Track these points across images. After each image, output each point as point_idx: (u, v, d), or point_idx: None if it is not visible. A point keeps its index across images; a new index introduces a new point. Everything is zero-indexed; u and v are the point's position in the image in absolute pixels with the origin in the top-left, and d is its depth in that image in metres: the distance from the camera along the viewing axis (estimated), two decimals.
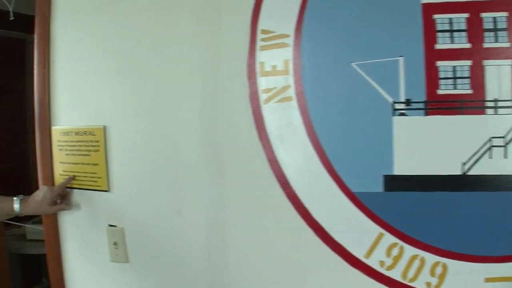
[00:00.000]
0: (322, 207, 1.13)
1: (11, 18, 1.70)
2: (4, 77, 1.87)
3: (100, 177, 1.31)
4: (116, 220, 1.31)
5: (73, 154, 1.36)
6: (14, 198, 1.26)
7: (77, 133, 1.34)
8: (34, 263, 2.51)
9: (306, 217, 1.13)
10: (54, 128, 1.39)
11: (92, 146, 1.31)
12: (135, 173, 1.27)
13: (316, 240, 1.11)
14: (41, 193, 1.28)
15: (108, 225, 1.33)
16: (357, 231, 1.10)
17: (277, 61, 1.12)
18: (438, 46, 1.06)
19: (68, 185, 1.37)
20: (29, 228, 2.34)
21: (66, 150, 1.37)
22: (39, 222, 2.41)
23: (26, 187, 2.96)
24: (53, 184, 1.40)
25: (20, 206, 1.25)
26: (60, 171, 1.39)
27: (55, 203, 1.31)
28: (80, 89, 1.35)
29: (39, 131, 1.41)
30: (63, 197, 1.35)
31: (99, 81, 1.30)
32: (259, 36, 1.14)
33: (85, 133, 1.32)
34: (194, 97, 1.18)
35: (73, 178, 1.34)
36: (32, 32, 1.43)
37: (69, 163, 1.37)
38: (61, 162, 1.39)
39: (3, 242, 2.07)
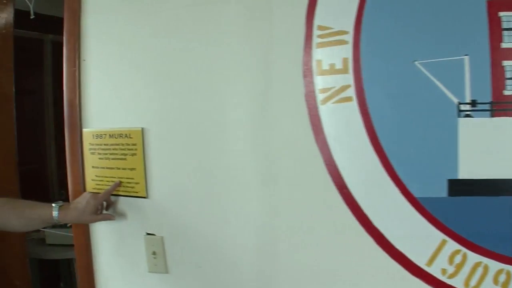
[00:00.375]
0: (382, 213, 1.07)
1: (32, 17, 1.61)
2: (22, 78, 1.79)
3: (137, 183, 1.24)
4: (154, 228, 1.24)
5: (107, 158, 1.28)
6: (53, 205, 1.16)
7: (111, 136, 1.26)
8: (52, 267, 2.43)
9: (365, 223, 1.07)
10: (86, 131, 1.31)
11: (129, 149, 1.23)
12: (176, 178, 1.20)
13: (375, 248, 1.06)
14: (84, 200, 1.19)
15: (146, 233, 1.25)
16: (419, 238, 1.05)
17: (335, 59, 1.06)
18: (504, 45, 1.00)
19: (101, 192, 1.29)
20: (49, 232, 2.27)
21: (99, 153, 1.29)
22: (59, 226, 2.37)
23: (45, 189, 2.90)
24: (84, 190, 1.32)
25: (59, 213, 1.15)
26: (92, 176, 1.31)
27: (98, 212, 1.22)
28: (114, 89, 1.27)
29: (68, 133, 1.33)
30: (106, 205, 1.27)
31: (136, 80, 1.23)
32: (315, 32, 1.08)
33: (120, 135, 1.24)
34: (244, 97, 1.11)
35: (120, 184, 1.26)
36: (49, 32, 1.36)
37: (103, 167, 1.29)
38: (93, 167, 1.31)
39: (25, 247, 1.99)
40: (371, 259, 1.05)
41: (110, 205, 1.27)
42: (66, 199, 2.96)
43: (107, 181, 1.29)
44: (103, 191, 1.26)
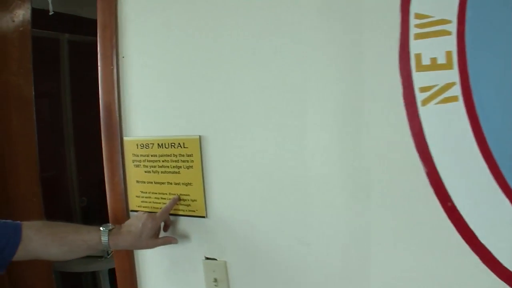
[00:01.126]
0: (492, 230, 0.92)
1: (51, 13, 1.43)
2: (38, 80, 1.60)
3: (194, 200, 1.06)
4: (215, 252, 1.07)
5: (155, 172, 1.10)
6: (101, 228, 0.98)
7: (161, 145, 1.08)
8: (76, 280, 2.41)
9: (471, 240, 0.92)
10: (128, 139, 1.13)
11: (183, 161, 1.06)
12: (241, 195, 1.02)
13: (482, 267, 0.91)
14: (138, 222, 1.00)
15: (205, 257, 1.08)
16: None
17: (437, 53, 0.90)
18: None
19: (150, 210, 1.11)
20: None
21: (145, 166, 1.11)
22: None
23: (64, 197, 2.68)
24: (126, 208, 1.14)
25: (110, 238, 0.98)
26: (136, 192, 1.13)
27: (156, 235, 1.04)
28: (162, 90, 1.09)
29: (106, 143, 1.15)
30: (164, 226, 1.09)
31: (190, 80, 1.05)
32: (412, 21, 0.91)
33: (173, 145, 1.07)
34: (327, 98, 0.94)
35: (179, 199, 1.08)
36: (65, 31, 1.17)
37: (150, 182, 1.11)
38: (138, 181, 1.13)
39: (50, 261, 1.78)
40: (477, 279, 0.90)
41: (168, 225, 1.09)
42: (88, 205, 2.81)
43: (156, 198, 1.11)
44: (159, 209, 1.08)
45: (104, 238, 0.97)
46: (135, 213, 1.09)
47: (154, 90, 1.09)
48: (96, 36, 1.12)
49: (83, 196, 2.74)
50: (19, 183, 1.65)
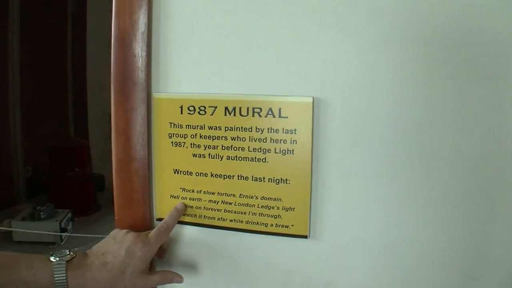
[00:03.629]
0: None
1: None
2: (40, 27, 1.08)
3: (289, 209, 0.61)
4: None
5: (215, 157, 0.62)
6: (52, 259, 0.56)
7: (231, 110, 0.60)
8: None
9: None
10: (161, 97, 0.64)
11: (276, 141, 0.59)
12: (375, 201, 0.58)
13: None
14: (120, 247, 0.59)
15: None
16: None
17: None
18: None
19: (198, 221, 0.64)
20: (17, 224, 1.68)
21: (193, 146, 0.63)
22: (30, 218, 1.71)
23: (5, 167, 2.07)
24: (151, 216, 0.66)
25: (69, 275, 0.55)
26: (173, 189, 0.66)
27: (148, 269, 0.61)
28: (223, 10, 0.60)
29: (117, 101, 0.65)
30: (158, 250, 0.63)
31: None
32: None
33: (257, 111, 0.59)
34: None
35: (184, 206, 0.65)
36: None
37: (202, 174, 0.63)
38: (178, 172, 0.65)
39: None
40: None
41: (165, 248, 0.67)
42: (33, 176, 2.25)
43: (212, 202, 0.64)
44: (211, 221, 0.64)
45: (60, 275, 0.54)
46: (112, 232, 0.61)
47: (210, 10, 0.59)
48: None
49: (28, 165, 2.18)
50: None
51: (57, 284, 0.54)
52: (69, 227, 1.81)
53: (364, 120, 0.56)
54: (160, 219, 0.68)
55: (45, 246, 1.74)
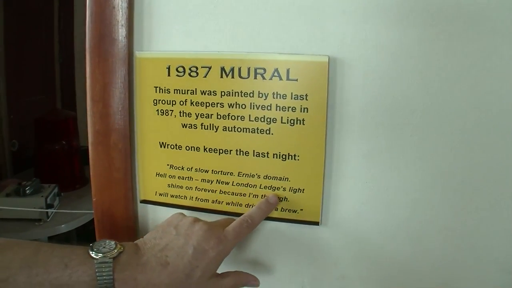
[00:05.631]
0: None
1: None
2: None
3: (299, 190, 0.51)
4: (333, 287, 0.53)
5: (209, 127, 0.52)
6: (93, 255, 0.42)
7: (229, 71, 0.50)
8: None
9: None
10: (144, 56, 0.53)
11: (283, 108, 0.49)
12: (401, 184, 0.48)
13: None
14: (185, 242, 0.45)
15: None
16: None
17: None
18: None
19: (190, 204, 0.54)
20: (1, 201, 1.58)
21: (183, 115, 0.52)
22: (15, 194, 1.62)
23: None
24: (133, 197, 0.56)
25: (116, 277, 0.41)
26: (159, 167, 0.56)
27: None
28: None
29: (92, 62, 0.54)
30: None
31: None
32: None
33: (260, 71, 0.49)
34: None
35: (278, 199, 0.51)
36: None
37: (193, 148, 0.53)
38: (164, 145, 0.54)
39: None
40: None
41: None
42: (20, 151, 2.17)
43: (205, 181, 0.54)
44: (214, 208, 0.53)
45: (105, 280, 0.41)
46: (171, 216, 0.50)
47: None
48: None
49: (14, 139, 2.09)
50: None
51: (99, 283, 0.41)
52: (56, 202, 1.73)
53: (390, 85, 0.46)
54: (144, 201, 0.58)
55: (31, 223, 1.66)
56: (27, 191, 1.67)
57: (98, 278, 0.41)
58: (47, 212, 1.66)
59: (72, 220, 1.70)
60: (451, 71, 0.44)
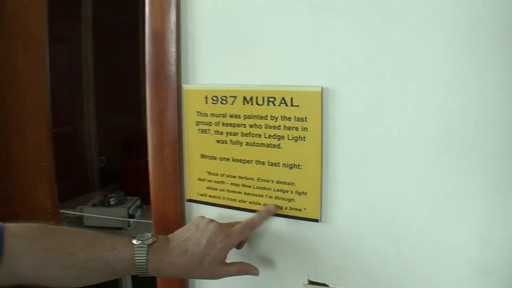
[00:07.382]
0: None
1: None
2: (54, 22, 1.22)
3: (301, 193, 0.64)
4: (326, 275, 0.65)
5: (236, 143, 0.67)
6: (134, 241, 0.59)
7: (249, 100, 0.65)
8: None
9: None
10: (189, 88, 0.70)
11: (289, 128, 0.63)
12: (393, 188, 0.60)
13: None
14: (201, 236, 0.61)
15: (309, 282, 0.67)
16: None
17: None
18: None
19: (222, 202, 0.70)
20: (88, 210, 1.78)
21: (217, 132, 0.68)
22: (101, 204, 1.83)
23: (81, 157, 2.30)
24: (181, 197, 0.72)
25: (149, 259, 0.58)
26: (200, 173, 0.72)
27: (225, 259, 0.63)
28: (247, 14, 0.65)
29: (152, 92, 0.72)
30: (239, 244, 0.67)
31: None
32: None
33: (271, 100, 0.63)
34: None
35: (276, 208, 0.67)
36: None
37: (225, 158, 0.69)
38: (204, 156, 0.71)
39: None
40: None
41: (244, 241, 0.68)
42: (107, 166, 2.46)
43: (234, 185, 0.69)
44: (236, 205, 0.68)
45: (140, 258, 0.57)
46: (195, 218, 0.66)
47: (234, 12, 0.64)
48: None
49: (102, 155, 2.36)
50: (25, 142, 1.24)
51: (137, 267, 0.57)
52: (137, 213, 1.92)
53: (371, 109, 0.59)
54: (190, 200, 0.74)
55: (114, 231, 1.88)
56: (112, 202, 1.90)
57: (136, 258, 0.58)
58: (128, 221, 1.87)
59: (151, 230, 1.90)
60: (427, 96, 0.56)
